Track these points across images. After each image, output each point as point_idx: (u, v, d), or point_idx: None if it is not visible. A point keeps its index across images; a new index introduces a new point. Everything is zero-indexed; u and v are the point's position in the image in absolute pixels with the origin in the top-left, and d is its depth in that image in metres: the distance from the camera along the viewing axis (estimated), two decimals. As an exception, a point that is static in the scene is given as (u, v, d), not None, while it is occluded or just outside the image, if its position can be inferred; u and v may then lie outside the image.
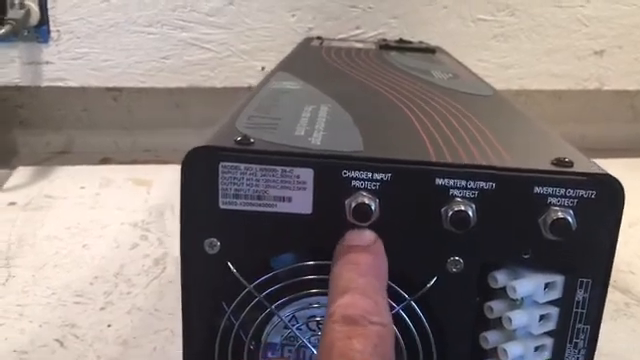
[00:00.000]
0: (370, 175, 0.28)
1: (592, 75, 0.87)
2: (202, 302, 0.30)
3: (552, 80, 0.86)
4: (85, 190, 0.76)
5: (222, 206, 0.28)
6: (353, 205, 0.27)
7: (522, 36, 0.85)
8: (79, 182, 0.78)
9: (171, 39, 0.79)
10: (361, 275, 0.26)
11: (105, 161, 0.87)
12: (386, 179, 0.28)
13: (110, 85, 0.80)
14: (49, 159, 0.87)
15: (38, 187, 0.76)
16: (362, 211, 0.27)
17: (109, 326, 0.50)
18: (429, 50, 0.68)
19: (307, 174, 0.28)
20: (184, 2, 0.78)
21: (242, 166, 0.28)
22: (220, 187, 0.28)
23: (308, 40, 0.75)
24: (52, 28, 0.76)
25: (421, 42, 0.77)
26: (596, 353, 0.50)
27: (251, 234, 0.29)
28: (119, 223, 0.68)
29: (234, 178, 0.28)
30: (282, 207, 0.28)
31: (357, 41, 0.78)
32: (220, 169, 0.28)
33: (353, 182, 0.28)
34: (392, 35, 0.81)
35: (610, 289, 0.62)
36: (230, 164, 0.28)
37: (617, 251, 0.74)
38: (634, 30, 0.85)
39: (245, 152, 0.28)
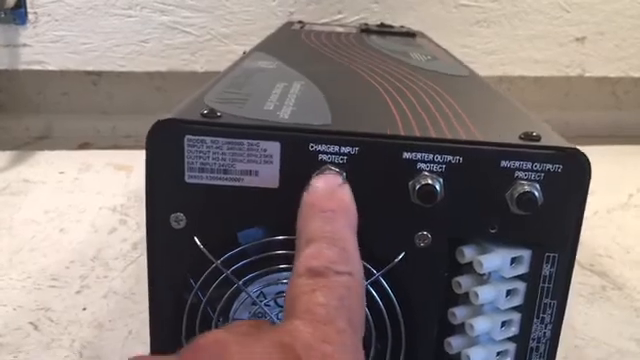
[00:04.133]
0: (337, 149, 0.27)
1: (574, 62, 0.87)
2: (169, 278, 0.29)
3: (534, 66, 0.86)
4: (64, 175, 0.75)
5: (188, 180, 0.28)
6: (320, 179, 0.27)
7: (505, 22, 0.85)
8: (58, 167, 0.77)
9: (151, 22, 0.78)
10: (327, 222, 0.24)
11: (85, 146, 0.86)
12: (353, 153, 0.27)
13: (89, 68, 0.79)
14: (28, 144, 0.86)
15: (16, 171, 0.75)
16: (329, 185, 0.27)
17: (84, 309, 0.50)
18: (409, 34, 0.68)
19: (274, 147, 0.27)
20: (164, -15, 0.77)
21: (208, 139, 0.27)
22: (186, 161, 0.28)
23: (289, 24, 0.75)
24: (29, 10, 0.75)
25: (402, 27, 0.76)
26: (572, 336, 0.50)
27: (218, 208, 0.28)
28: (98, 208, 0.67)
29: (200, 152, 0.28)
30: (249, 181, 0.28)
31: (339, 25, 0.78)
32: (186, 142, 0.27)
33: (320, 156, 0.27)
34: (374, 20, 0.81)
35: (588, 273, 0.63)
36: (196, 137, 0.27)
37: (595, 236, 0.74)
38: (615, 17, 0.86)
39: (211, 125, 0.27)
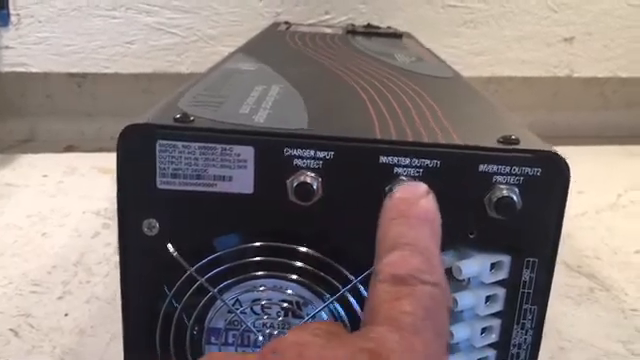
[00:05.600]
0: (312, 153, 0.27)
1: (562, 62, 0.87)
2: (142, 286, 0.29)
3: (522, 67, 0.86)
4: (48, 178, 0.74)
5: (160, 186, 0.27)
6: (295, 184, 0.27)
7: (492, 22, 0.84)
8: (42, 170, 0.76)
9: (136, 23, 0.77)
10: (412, 228, 0.23)
11: (70, 149, 0.85)
12: (329, 157, 0.27)
13: (73, 70, 0.78)
14: (12, 147, 0.85)
15: (-1, 175, 0.75)
16: (304, 190, 0.27)
17: (66, 315, 0.49)
18: (396, 35, 0.68)
19: (247, 152, 0.27)
20: (148, -15, 0.76)
21: (180, 144, 0.27)
22: (158, 166, 0.27)
23: (275, 25, 0.74)
24: (12, 12, 0.74)
25: (389, 27, 0.76)
26: (559, 338, 0.50)
27: (191, 215, 0.28)
28: (81, 211, 0.66)
29: (172, 157, 0.27)
30: (222, 186, 0.27)
31: (326, 26, 0.77)
32: (157, 147, 0.27)
33: (295, 160, 0.27)
34: (361, 20, 0.81)
35: (575, 274, 0.63)
36: (167, 142, 0.27)
37: (584, 237, 0.74)
38: (603, 17, 0.86)
39: (183, 130, 0.27)
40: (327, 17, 0.81)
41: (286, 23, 0.76)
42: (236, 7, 0.78)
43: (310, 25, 0.78)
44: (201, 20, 0.78)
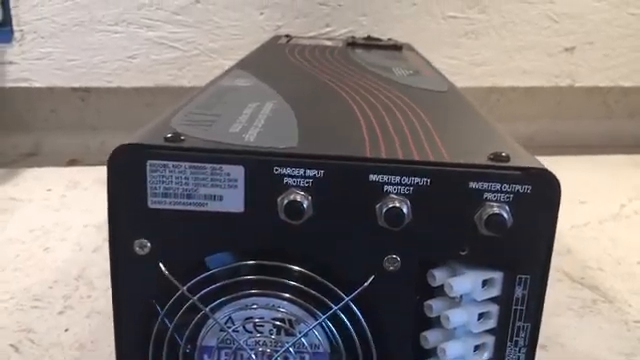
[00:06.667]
0: (302, 172, 0.27)
1: (563, 72, 0.87)
2: (134, 305, 0.29)
3: (524, 77, 0.86)
4: (51, 192, 0.75)
5: (151, 205, 0.27)
6: (285, 202, 0.27)
7: (493, 33, 0.84)
8: (46, 184, 0.77)
9: (137, 38, 0.78)
10: None
11: (73, 163, 0.85)
12: (319, 176, 0.27)
13: (76, 85, 0.79)
14: (17, 161, 0.85)
15: (3, 190, 0.75)
16: (294, 209, 0.27)
17: (66, 330, 0.49)
18: (396, 47, 0.68)
19: (238, 171, 0.27)
20: (150, 0, 0.77)
21: (170, 164, 0.27)
22: (148, 186, 0.27)
23: (276, 38, 0.74)
24: (15, 28, 0.75)
25: (390, 39, 0.76)
26: (561, 351, 0.50)
27: (182, 234, 0.28)
28: (83, 225, 0.66)
29: (163, 176, 0.27)
30: (213, 206, 0.27)
31: (327, 39, 0.78)
32: (148, 167, 0.27)
33: (285, 179, 0.27)
34: (362, 33, 0.81)
35: (578, 286, 0.62)
36: (158, 162, 0.27)
37: (587, 248, 0.73)
38: (604, 26, 0.85)
39: (173, 150, 0.27)
40: (328, 30, 0.81)
41: (287, 36, 0.76)
42: (237, 21, 0.79)
43: (310, 38, 0.79)
44: (202, 34, 0.79)
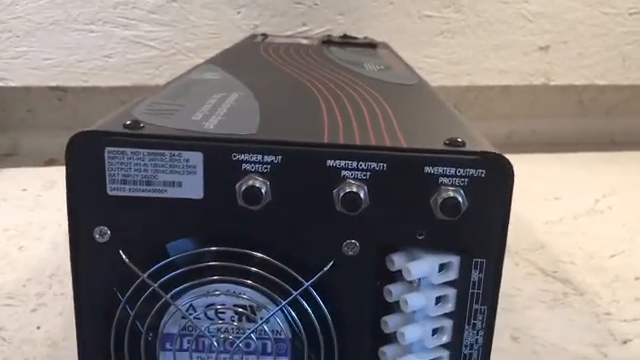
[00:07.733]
0: (260, 158, 0.27)
1: (538, 70, 0.88)
2: (95, 293, 0.29)
3: (499, 76, 0.87)
4: (27, 192, 0.74)
5: (110, 192, 0.27)
6: (243, 188, 0.27)
7: (469, 32, 0.85)
8: (21, 184, 0.76)
9: (113, 37, 0.78)
10: None
11: (51, 162, 0.85)
12: (277, 161, 0.27)
13: (52, 84, 0.79)
14: (-7, 161, 0.85)
15: (-22, 190, 0.75)
16: (252, 194, 0.27)
17: (38, 328, 0.49)
18: (371, 45, 0.68)
19: (196, 158, 0.27)
20: (126, -1, 0.77)
21: (129, 151, 0.27)
22: (107, 173, 0.27)
23: (252, 37, 0.75)
24: (-10, 27, 0.75)
25: (366, 38, 0.77)
26: (532, 342, 0.50)
27: (142, 221, 0.28)
28: (58, 225, 0.66)
29: (121, 163, 0.27)
30: (172, 192, 0.28)
31: (303, 38, 0.78)
32: (106, 154, 0.27)
33: (244, 165, 0.27)
34: (339, 31, 0.81)
35: (550, 279, 0.63)
36: (116, 149, 0.27)
37: (560, 243, 0.74)
38: (578, 25, 0.87)
39: (131, 136, 0.27)
40: (305, 28, 0.82)
41: (263, 35, 0.77)
42: (214, 20, 0.79)
43: (287, 37, 0.79)
44: (179, 33, 0.79)
